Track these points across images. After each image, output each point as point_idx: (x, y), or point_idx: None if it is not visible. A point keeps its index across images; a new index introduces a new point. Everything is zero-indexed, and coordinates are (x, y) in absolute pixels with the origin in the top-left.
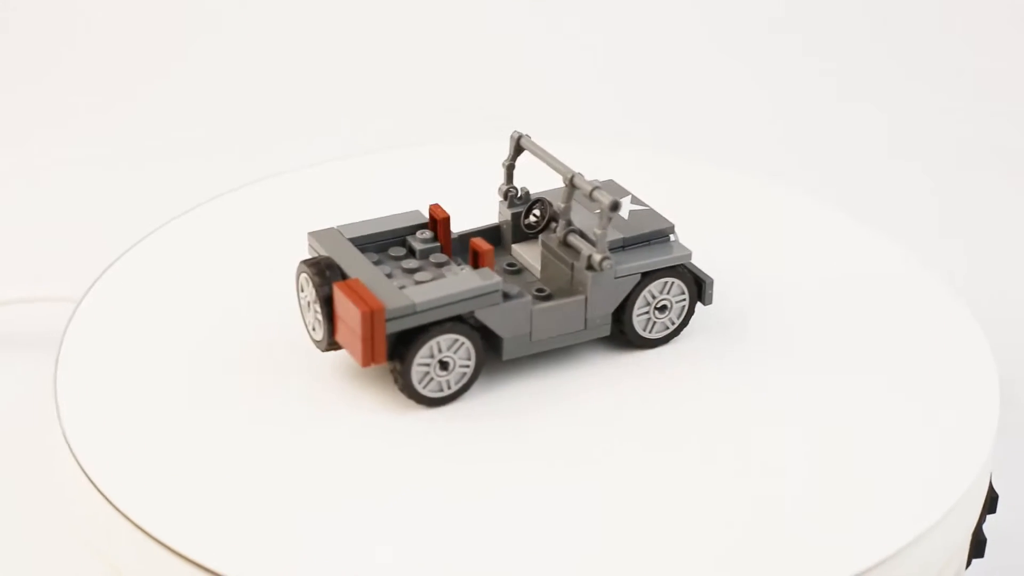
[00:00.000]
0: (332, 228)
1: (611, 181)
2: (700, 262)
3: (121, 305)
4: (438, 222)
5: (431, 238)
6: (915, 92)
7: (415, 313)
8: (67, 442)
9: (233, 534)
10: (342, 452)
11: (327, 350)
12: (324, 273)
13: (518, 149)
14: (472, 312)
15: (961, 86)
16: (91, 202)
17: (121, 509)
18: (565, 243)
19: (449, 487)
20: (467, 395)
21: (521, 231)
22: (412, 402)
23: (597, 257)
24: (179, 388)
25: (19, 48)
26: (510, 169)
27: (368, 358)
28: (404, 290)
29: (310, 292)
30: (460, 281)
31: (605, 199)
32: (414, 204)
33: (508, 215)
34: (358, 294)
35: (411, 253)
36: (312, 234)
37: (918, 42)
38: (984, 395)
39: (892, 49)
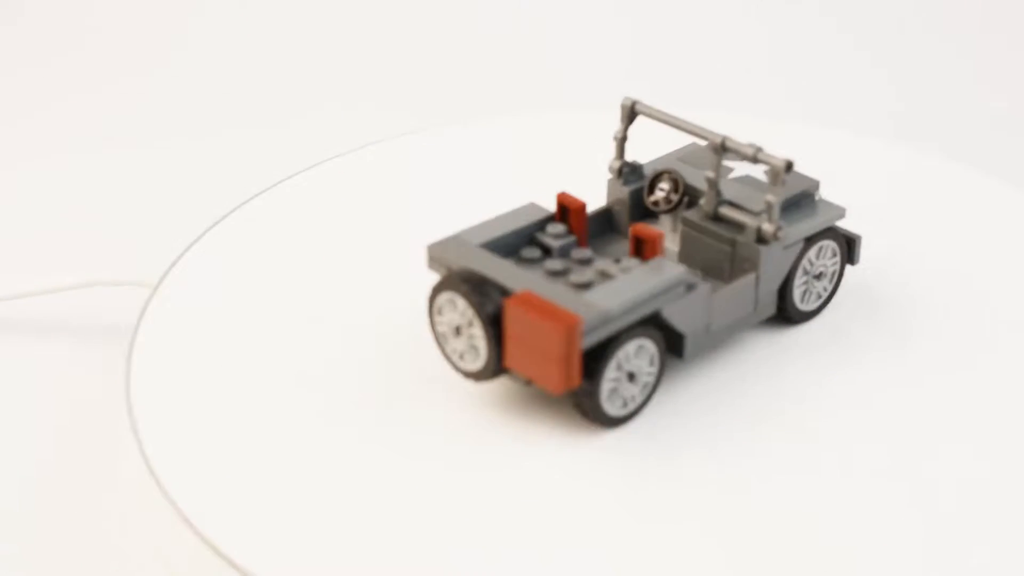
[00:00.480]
0: (452, 236)
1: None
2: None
3: (197, 293)
4: (570, 212)
5: (565, 231)
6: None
7: (610, 321)
8: (138, 441)
9: (299, 547)
10: (507, 492)
11: (488, 379)
12: (483, 289)
13: (631, 117)
14: (658, 311)
15: None
16: (159, 187)
17: (191, 519)
18: (717, 217)
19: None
20: (646, 411)
21: (641, 210)
22: (577, 425)
23: (770, 228)
24: (262, 398)
25: (98, 39)
26: (622, 142)
27: (565, 381)
28: (584, 296)
29: (462, 314)
30: (644, 277)
31: (777, 161)
32: (459, 185)
33: (624, 193)
34: (542, 308)
35: (546, 252)
36: (433, 246)
37: None
38: None
39: None
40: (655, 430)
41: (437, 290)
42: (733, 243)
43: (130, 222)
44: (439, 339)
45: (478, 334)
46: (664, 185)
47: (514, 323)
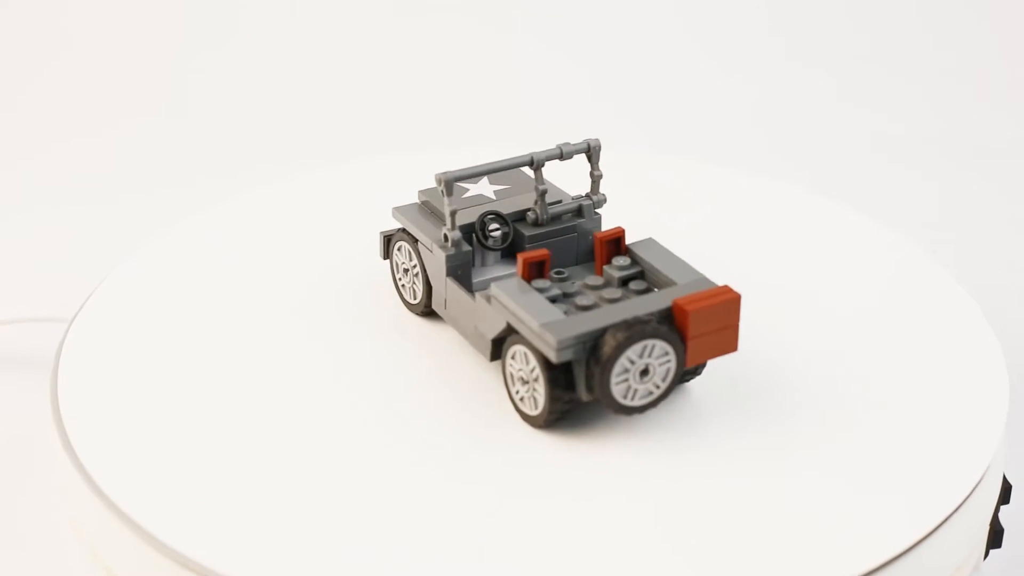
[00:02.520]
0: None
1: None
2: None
3: (113, 322)
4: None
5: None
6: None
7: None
8: (72, 450)
9: (241, 540)
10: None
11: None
12: (632, 326)
13: (451, 190)
14: None
15: (943, 85)
16: (74, 223)
17: (132, 518)
18: (552, 219)
19: None
20: None
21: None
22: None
23: (598, 197)
24: (178, 395)
25: (6, 69)
26: (453, 215)
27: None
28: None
29: (643, 361)
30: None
31: (591, 141)
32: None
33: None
34: (708, 297)
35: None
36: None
37: (903, 39)
38: (994, 386)
39: (877, 47)
40: None
41: (625, 338)
42: (574, 229)
43: (41, 259)
44: (610, 379)
45: (658, 369)
46: (495, 224)
47: (697, 323)
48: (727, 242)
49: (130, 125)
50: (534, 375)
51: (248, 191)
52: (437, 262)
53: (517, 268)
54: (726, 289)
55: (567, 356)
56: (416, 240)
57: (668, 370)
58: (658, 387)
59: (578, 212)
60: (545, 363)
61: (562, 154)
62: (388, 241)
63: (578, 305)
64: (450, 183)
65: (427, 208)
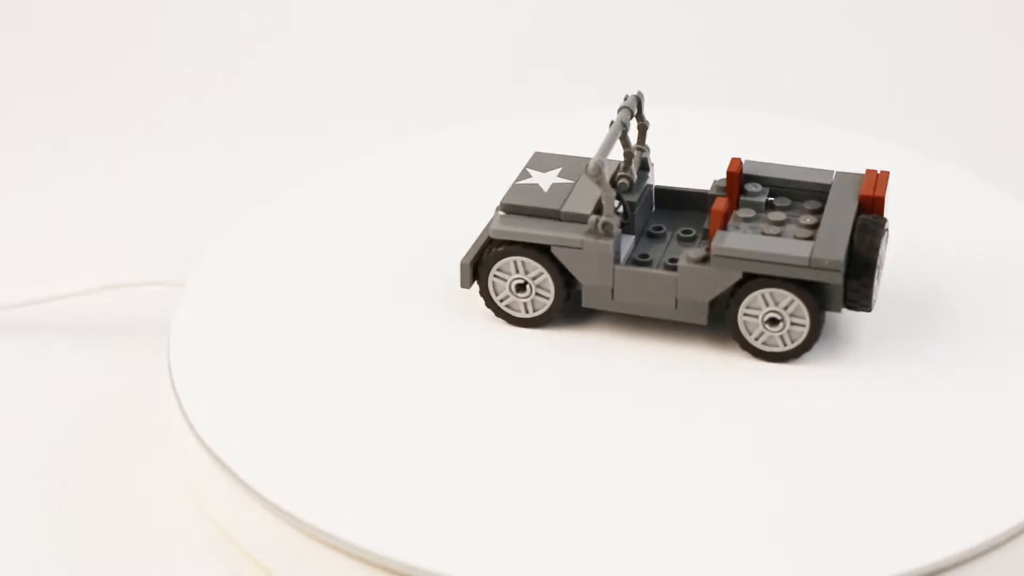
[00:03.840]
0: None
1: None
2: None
3: (225, 288)
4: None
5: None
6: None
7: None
8: (186, 418)
9: (346, 500)
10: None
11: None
12: (868, 226)
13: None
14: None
15: None
16: (189, 184)
17: (242, 477)
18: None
19: None
20: None
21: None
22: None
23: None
24: (285, 359)
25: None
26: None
27: None
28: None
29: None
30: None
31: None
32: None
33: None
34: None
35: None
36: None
37: None
38: None
39: None
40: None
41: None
42: (648, 182)
43: (153, 223)
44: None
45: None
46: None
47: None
48: None
49: (232, 89)
50: (791, 309)
51: (351, 158)
52: (593, 256)
53: (714, 222)
54: (867, 172)
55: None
56: (540, 248)
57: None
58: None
59: (644, 165)
60: (807, 292)
61: (634, 112)
62: (476, 267)
63: (796, 233)
64: (602, 168)
65: (522, 211)
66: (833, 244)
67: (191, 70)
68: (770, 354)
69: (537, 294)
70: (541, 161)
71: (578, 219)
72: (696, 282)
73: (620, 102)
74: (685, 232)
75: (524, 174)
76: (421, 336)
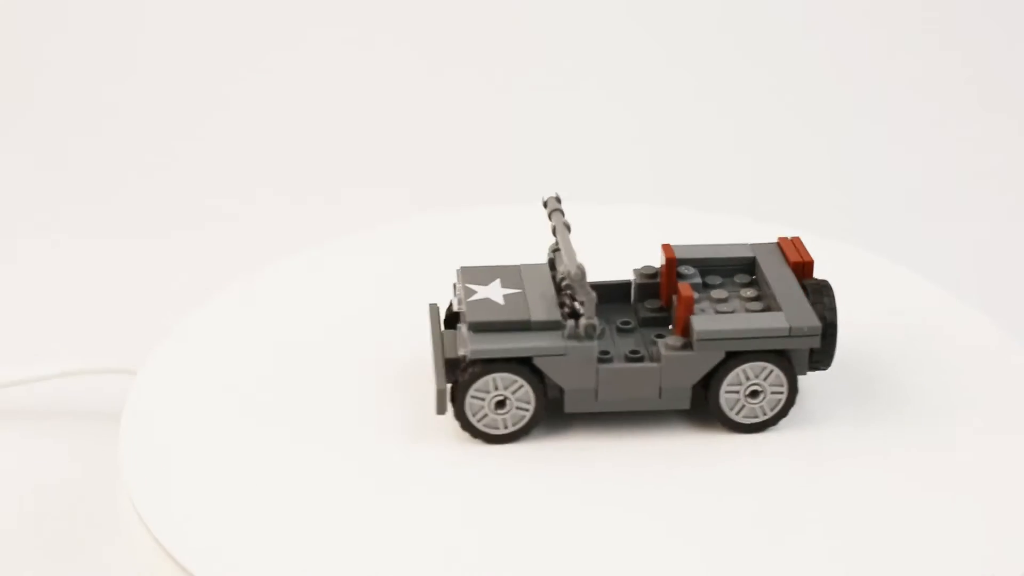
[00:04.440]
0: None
1: None
2: None
3: (179, 374)
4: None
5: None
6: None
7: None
8: (135, 508)
9: None
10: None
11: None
12: (823, 292)
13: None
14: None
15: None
16: (134, 274)
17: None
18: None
19: None
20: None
21: None
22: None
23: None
24: (245, 452)
25: (58, 119)
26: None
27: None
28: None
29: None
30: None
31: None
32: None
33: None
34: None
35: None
36: None
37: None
38: None
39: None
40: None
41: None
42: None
43: (107, 310)
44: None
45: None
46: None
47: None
48: None
49: (195, 170)
50: (770, 379)
51: (309, 249)
52: (577, 360)
53: (680, 308)
54: (780, 240)
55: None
56: (520, 361)
57: None
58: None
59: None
60: (784, 360)
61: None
62: (454, 391)
63: (746, 307)
64: (585, 273)
65: (491, 327)
66: (801, 312)
67: (144, 153)
68: (750, 426)
69: (517, 408)
70: (473, 275)
71: (551, 327)
72: (680, 369)
73: (531, 200)
74: (624, 323)
75: (468, 291)
76: (381, 430)
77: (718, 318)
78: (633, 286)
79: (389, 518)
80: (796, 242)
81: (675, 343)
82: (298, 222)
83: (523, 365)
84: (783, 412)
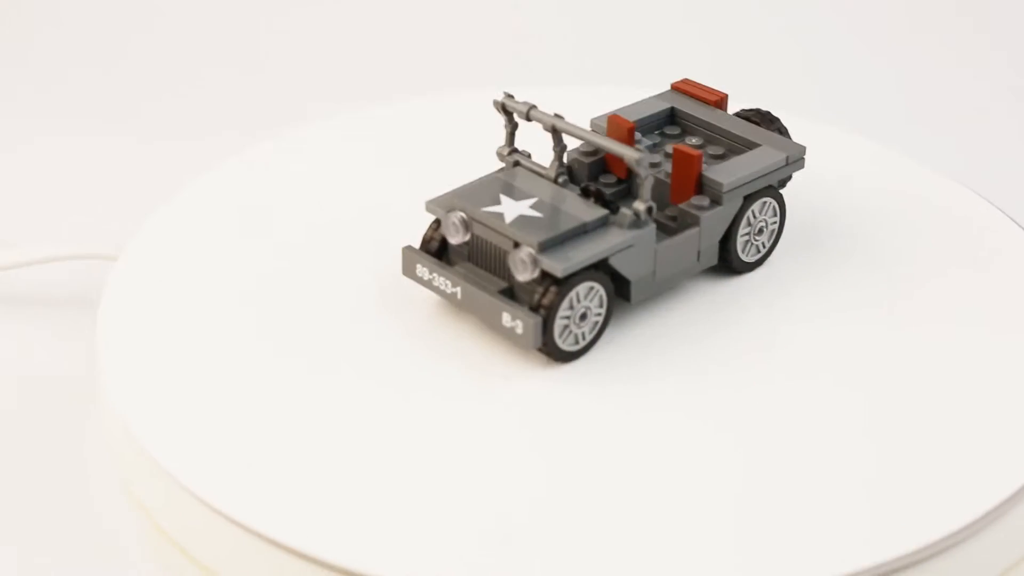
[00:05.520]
0: None
1: None
2: None
3: (157, 263)
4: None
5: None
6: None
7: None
8: (109, 398)
9: (280, 495)
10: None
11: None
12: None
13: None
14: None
15: None
16: (121, 157)
17: (168, 469)
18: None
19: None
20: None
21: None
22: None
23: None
24: (221, 344)
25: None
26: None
27: None
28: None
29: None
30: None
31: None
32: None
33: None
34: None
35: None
36: None
37: None
38: None
39: None
40: (611, 363)
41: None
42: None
43: (87, 196)
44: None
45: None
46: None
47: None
48: None
49: (169, 61)
50: (766, 213)
51: (288, 131)
52: (641, 247)
53: (690, 169)
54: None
55: None
56: (596, 266)
57: None
58: None
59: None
60: (775, 191)
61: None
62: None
63: (712, 153)
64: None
65: (557, 240)
66: (777, 141)
67: (125, 43)
68: (755, 263)
69: (594, 316)
70: (465, 201)
71: (602, 223)
72: (713, 225)
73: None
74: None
75: (480, 216)
76: (367, 323)
77: (728, 167)
78: (574, 165)
79: (385, 427)
80: (689, 82)
81: (701, 202)
82: (278, 106)
83: (598, 269)
84: (777, 240)
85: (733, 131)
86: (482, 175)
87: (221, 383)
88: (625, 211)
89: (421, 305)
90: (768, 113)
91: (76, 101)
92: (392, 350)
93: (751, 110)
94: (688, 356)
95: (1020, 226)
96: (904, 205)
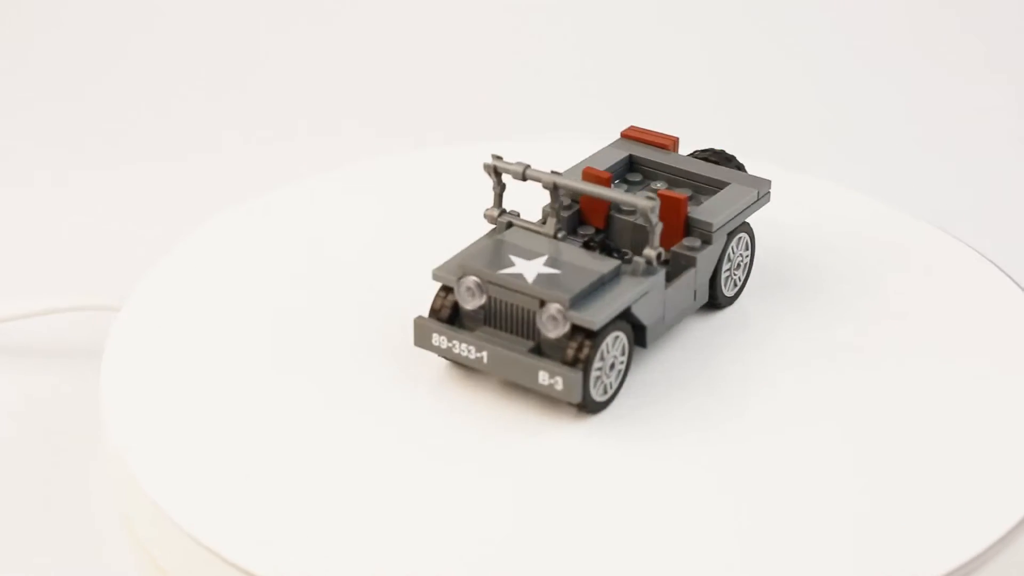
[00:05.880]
0: None
1: None
2: None
3: (160, 312)
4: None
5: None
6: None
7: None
8: (113, 446)
9: (280, 540)
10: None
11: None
12: None
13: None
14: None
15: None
16: (118, 210)
17: (171, 515)
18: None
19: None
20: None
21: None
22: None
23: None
24: (222, 390)
25: (47, 59)
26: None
27: None
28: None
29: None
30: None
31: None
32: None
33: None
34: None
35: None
36: None
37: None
38: None
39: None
40: (632, 411)
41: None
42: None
43: (90, 247)
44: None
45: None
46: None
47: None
48: None
49: (182, 108)
50: (740, 248)
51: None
52: (655, 292)
53: (675, 213)
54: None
55: None
56: (621, 315)
57: None
58: None
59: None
60: (747, 225)
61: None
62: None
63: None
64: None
65: (584, 294)
66: (743, 178)
67: (133, 90)
68: (732, 297)
69: (619, 365)
70: (474, 265)
71: (615, 273)
72: (706, 265)
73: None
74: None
75: (495, 279)
76: (372, 374)
77: (711, 208)
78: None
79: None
80: (638, 129)
81: (693, 244)
82: (274, 160)
83: (621, 318)
84: (748, 273)
85: (697, 172)
86: (475, 237)
87: (221, 428)
88: (638, 259)
89: (433, 368)
90: (723, 152)
91: (73, 150)
92: (403, 402)
93: (706, 150)
94: (685, 402)
95: (991, 261)
96: (865, 244)
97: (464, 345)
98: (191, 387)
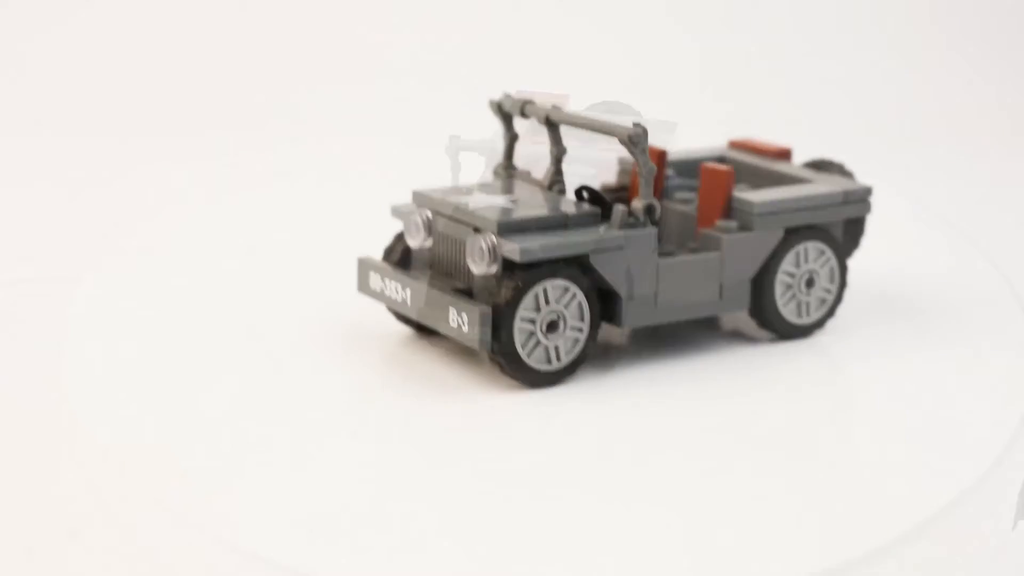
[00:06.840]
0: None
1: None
2: None
3: (124, 285)
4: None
5: None
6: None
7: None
8: (78, 418)
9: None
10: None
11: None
12: None
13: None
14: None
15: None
16: (86, 190)
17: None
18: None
19: None
20: None
21: None
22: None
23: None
24: (190, 361)
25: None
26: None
27: None
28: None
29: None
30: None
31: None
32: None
33: None
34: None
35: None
36: None
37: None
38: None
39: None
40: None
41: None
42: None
43: (54, 221)
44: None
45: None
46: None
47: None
48: None
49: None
50: (825, 266)
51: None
52: (637, 253)
53: (719, 188)
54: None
55: None
56: (571, 263)
57: None
58: None
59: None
60: (835, 241)
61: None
62: (498, 314)
63: None
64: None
65: (525, 225)
66: (837, 181)
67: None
68: (796, 327)
69: (571, 330)
70: (442, 193)
71: (590, 221)
72: (741, 255)
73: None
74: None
75: (449, 207)
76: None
77: (764, 192)
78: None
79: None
80: (750, 142)
81: (728, 226)
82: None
83: (573, 267)
84: (831, 311)
85: (787, 172)
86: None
87: (190, 398)
88: (618, 207)
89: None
90: (829, 161)
91: (49, 127)
92: (355, 383)
93: (818, 160)
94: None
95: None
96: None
97: (394, 284)
98: (153, 359)
